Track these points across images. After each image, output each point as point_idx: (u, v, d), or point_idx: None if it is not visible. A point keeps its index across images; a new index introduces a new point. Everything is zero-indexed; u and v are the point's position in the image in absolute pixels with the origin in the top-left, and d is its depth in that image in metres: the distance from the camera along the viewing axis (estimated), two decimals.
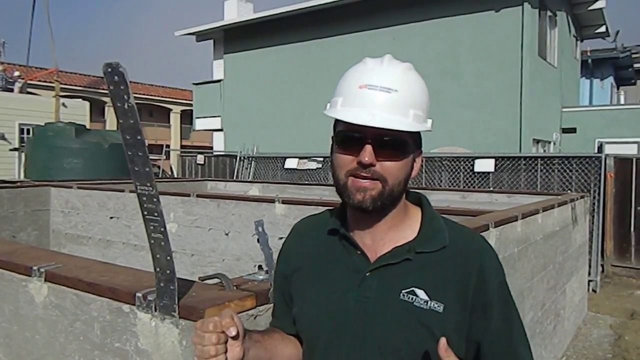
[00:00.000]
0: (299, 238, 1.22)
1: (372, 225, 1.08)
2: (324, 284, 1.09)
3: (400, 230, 1.09)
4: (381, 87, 0.98)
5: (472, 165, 8.41)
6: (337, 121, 1.05)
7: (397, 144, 1.00)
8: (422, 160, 1.12)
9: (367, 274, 1.05)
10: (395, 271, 1.04)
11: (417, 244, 1.06)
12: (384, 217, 1.07)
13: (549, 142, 12.30)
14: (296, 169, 10.45)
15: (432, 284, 1.02)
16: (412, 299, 1.01)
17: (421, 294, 1.01)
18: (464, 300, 1.02)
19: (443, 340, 0.89)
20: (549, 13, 11.89)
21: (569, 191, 7.26)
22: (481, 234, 2.73)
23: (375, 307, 1.02)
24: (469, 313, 1.02)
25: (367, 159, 0.98)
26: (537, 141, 11.46)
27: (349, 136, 1.01)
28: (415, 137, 1.06)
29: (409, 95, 0.99)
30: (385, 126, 0.95)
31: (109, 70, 1.05)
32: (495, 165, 8.23)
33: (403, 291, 1.02)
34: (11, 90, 14.91)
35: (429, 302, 1.01)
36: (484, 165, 8.30)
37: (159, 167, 14.12)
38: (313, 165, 10.28)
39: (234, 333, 0.93)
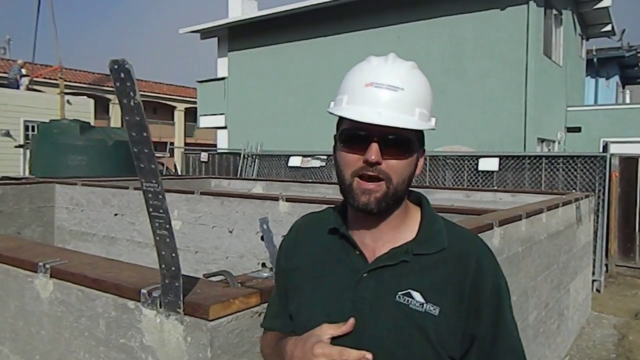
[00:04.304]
0: (300, 235, 1.20)
1: (373, 225, 1.07)
2: (322, 283, 1.08)
3: (400, 230, 1.08)
4: (387, 86, 0.97)
5: (476, 164, 8.38)
6: (341, 119, 1.04)
7: (402, 142, 1.00)
8: (425, 160, 1.12)
9: (365, 275, 1.04)
10: (392, 273, 1.03)
11: (415, 245, 1.05)
12: (387, 217, 1.06)
13: (554, 141, 12.26)
14: (300, 167, 10.45)
15: (429, 286, 1.01)
16: (407, 301, 1.00)
17: (417, 296, 1.00)
18: (459, 303, 1.01)
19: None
20: (554, 11, 11.84)
21: (573, 190, 7.23)
22: (485, 233, 2.73)
23: (372, 308, 1.02)
24: (464, 316, 1.01)
25: (373, 157, 0.97)
26: (542, 140, 11.42)
27: (354, 134, 1.00)
28: (420, 136, 1.05)
29: (414, 93, 0.99)
30: (391, 124, 0.95)
31: (115, 67, 1.05)
32: (500, 164, 8.20)
33: (399, 293, 1.01)
34: (18, 87, 14.99)
35: (425, 305, 1.00)
36: (488, 164, 8.28)
37: (162, 164, 14.15)
38: (317, 163, 10.29)
39: None
